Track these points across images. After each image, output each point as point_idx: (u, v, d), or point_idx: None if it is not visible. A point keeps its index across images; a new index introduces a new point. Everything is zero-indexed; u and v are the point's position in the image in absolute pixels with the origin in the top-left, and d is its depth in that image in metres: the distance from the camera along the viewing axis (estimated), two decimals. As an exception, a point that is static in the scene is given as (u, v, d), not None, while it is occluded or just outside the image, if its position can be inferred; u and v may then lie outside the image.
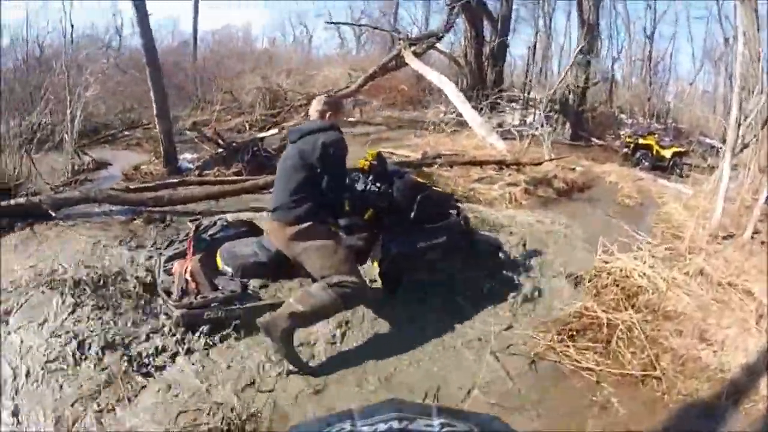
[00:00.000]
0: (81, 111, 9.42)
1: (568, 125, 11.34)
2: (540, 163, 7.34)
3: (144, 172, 8.27)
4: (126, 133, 12.03)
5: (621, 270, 4.41)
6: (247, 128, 11.63)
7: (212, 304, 3.77)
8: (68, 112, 9.11)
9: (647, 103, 15.11)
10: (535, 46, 14.71)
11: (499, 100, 9.06)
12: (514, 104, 12.13)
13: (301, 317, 3.53)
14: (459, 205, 5.05)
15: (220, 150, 8.55)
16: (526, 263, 4.94)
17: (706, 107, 15.10)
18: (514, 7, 15.04)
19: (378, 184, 4.26)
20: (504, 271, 4.71)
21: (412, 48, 11.16)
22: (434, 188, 4.92)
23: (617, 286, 4.25)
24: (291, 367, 3.44)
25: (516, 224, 5.64)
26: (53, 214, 5.41)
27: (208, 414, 3.00)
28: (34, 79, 11.25)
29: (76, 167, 8.43)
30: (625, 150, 10.67)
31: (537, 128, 8.08)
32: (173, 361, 3.41)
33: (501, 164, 7.31)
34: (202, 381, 3.23)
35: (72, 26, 11.99)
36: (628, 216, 6.23)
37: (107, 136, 11.76)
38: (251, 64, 16.92)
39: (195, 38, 18.80)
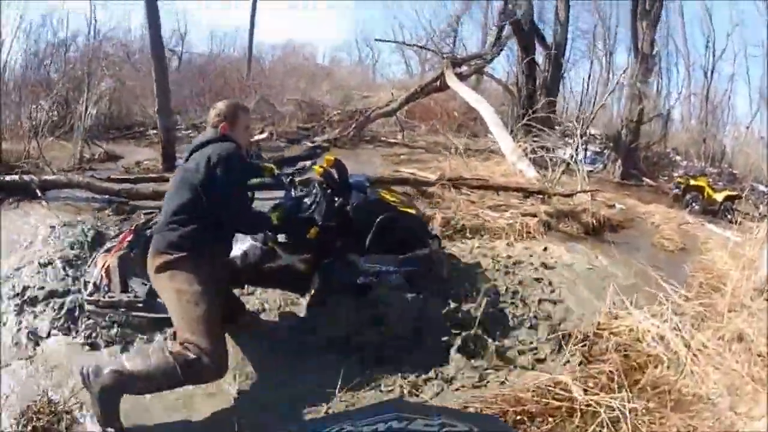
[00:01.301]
0: (95, 103, 9.58)
1: (619, 163, 10.21)
2: (571, 195, 6.27)
3: (143, 168, 8.13)
4: (153, 131, 11.59)
5: (630, 331, 3.39)
6: (273, 137, 10.93)
7: (117, 307, 3.55)
8: (82, 101, 9.34)
9: (703, 144, 13.99)
10: (589, 77, 13.56)
11: (548, 132, 8.04)
12: (567, 138, 11.15)
13: (127, 379, 2.86)
14: (434, 234, 4.39)
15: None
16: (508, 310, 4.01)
17: (762, 152, 13.72)
18: (570, 36, 14.01)
19: (332, 197, 3.72)
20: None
21: (456, 69, 10.33)
22: (406, 210, 4.11)
23: (619, 353, 3.20)
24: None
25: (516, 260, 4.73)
26: (39, 194, 5.74)
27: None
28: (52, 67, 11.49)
29: (86, 157, 8.66)
30: (676, 191, 9.63)
31: (571, 156, 7.00)
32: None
33: (522, 191, 6.29)
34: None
35: (95, 20, 12.24)
36: (662, 262, 5.13)
37: (134, 132, 11.85)
38: (307, 80, 16.49)
39: (250, 49, 18.54)
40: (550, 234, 5.44)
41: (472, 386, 3.14)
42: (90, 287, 3.78)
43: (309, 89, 14.78)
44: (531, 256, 4.88)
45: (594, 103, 12.38)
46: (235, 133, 3.32)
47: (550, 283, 4.42)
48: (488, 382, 3.19)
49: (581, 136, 8.34)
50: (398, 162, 8.78)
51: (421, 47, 13.67)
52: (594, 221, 5.79)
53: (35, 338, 3.62)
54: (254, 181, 4.22)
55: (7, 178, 6.42)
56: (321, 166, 3.78)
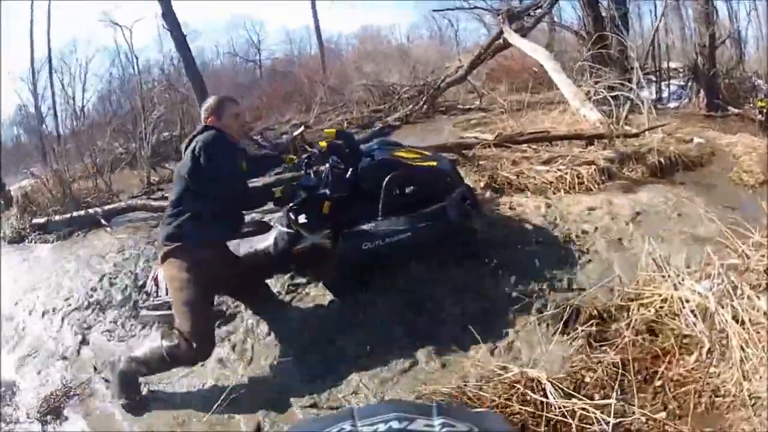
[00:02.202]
0: (153, 130, 10.30)
1: (702, 94, 9.17)
2: (637, 135, 5.59)
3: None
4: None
5: (663, 302, 2.76)
6: (345, 126, 10.83)
7: (161, 309, 3.68)
8: (139, 131, 10.27)
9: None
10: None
11: (608, 71, 7.33)
12: (650, 77, 10.15)
13: (135, 364, 3.42)
14: (463, 185, 4.00)
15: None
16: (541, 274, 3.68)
17: None
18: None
19: (340, 168, 3.62)
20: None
21: (518, 23, 9.65)
22: (423, 165, 3.87)
23: (642, 334, 2.61)
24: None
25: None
26: (104, 222, 6.81)
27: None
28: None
29: (154, 180, 9.31)
30: (760, 117, 8.22)
31: (635, 92, 6.29)
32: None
33: (581, 138, 5.74)
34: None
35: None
36: (740, 200, 4.49)
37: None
38: (383, 63, 16.26)
39: (320, 43, 18.51)
40: (611, 182, 4.89)
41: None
42: (143, 295, 4.43)
43: (383, 72, 14.53)
44: (571, 209, 4.42)
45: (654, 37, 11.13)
46: (224, 123, 3.46)
47: (580, 242, 3.96)
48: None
49: (642, 69, 7.55)
50: (467, 127, 8.28)
51: (473, 7, 12.82)
52: (662, 161, 5.16)
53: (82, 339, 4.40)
54: (287, 175, 4.73)
55: (75, 214, 7.63)
56: (325, 141, 3.76)
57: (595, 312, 2.93)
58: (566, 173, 4.89)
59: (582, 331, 2.82)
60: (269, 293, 4.01)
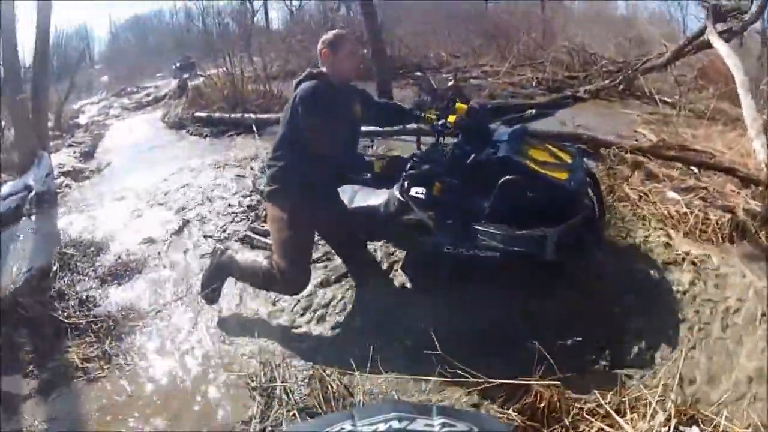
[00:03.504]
0: None
1: None
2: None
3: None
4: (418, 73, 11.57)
5: None
6: (533, 84, 10.38)
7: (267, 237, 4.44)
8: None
9: None
10: None
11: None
12: None
13: (234, 264, 3.66)
14: (583, 211, 3.38)
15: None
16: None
17: None
18: None
19: (461, 151, 3.40)
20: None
21: (723, 23, 8.16)
22: (547, 175, 3.34)
23: None
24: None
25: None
26: (254, 129, 7.86)
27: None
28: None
29: None
30: None
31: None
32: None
33: (731, 174, 4.74)
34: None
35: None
36: None
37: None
38: (601, 31, 15.10)
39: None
40: (740, 243, 3.96)
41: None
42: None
43: (597, 38, 13.41)
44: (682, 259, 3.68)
45: None
46: (337, 60, 3.40)
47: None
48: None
49: None
50: (647, 123, 7.23)
51: None
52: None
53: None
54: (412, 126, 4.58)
55: (232, 115, 8.59)
56: (453, 116, 3.49)
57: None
58: (693, 212, 4.05)
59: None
60: (370, 258, 4.02)
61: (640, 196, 4.39)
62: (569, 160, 3.61)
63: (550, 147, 3.69)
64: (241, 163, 6.81)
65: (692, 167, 4.99)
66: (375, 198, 3.64)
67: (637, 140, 6.33)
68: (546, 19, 15.55)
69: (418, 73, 11.32)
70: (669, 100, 9.28)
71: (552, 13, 16.82)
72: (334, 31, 3.57)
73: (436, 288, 3.57)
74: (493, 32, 14.09)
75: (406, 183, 3.37)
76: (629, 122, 7.07)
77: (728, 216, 4.08)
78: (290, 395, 2.95)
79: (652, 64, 9.53)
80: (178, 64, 17.90)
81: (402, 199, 3.38)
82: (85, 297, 4.30)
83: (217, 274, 3.76)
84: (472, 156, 3.35)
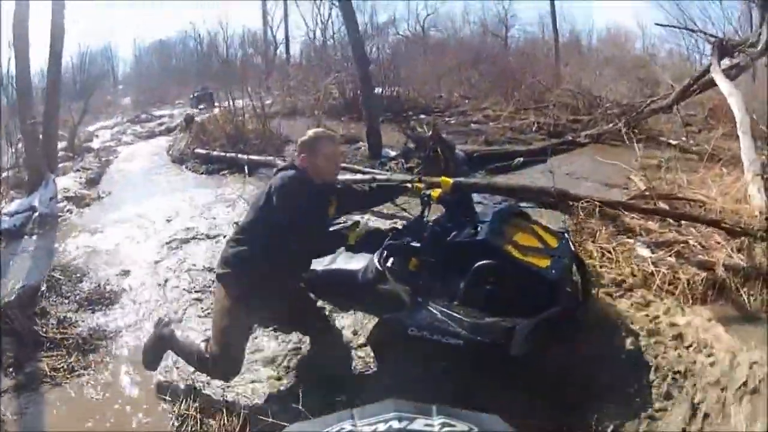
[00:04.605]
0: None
1: None
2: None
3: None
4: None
5: None
6: (534, 129, 10.20)
7: None
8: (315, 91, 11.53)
9: None
10: None
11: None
12: None
13: (174, 342, 3.63)
14: (556, 305, 2.98)
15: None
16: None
17: None
18: None
19: (440, 228, 3.24)
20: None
21: (730, 60, 7.75)
22: (525, 261, 3.10)
23: None
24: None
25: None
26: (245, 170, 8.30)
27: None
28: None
29: None
30: None
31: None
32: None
33: (716, 226, 4.21)
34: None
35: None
36: None
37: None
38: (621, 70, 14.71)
39: (555, 33, 17.14)
40: (719, 301, 3.52)
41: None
42: None
43: (612, 79, 13.19)
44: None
45: None
46: (317, 162, 3.25)
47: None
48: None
49: None
50: (643, 168, 6.68)
51: (693, 30, 10.47)
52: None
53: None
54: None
55: (228, 154, 8.95)
56: (437, 190, 3.43)
57: None
58: (660, 270, 3.69)
59: None
60: (328, 325, 3.86)
61: (603, 254, 4.05)
62: (554, 245, 3.38)
63: (537, 230, 3.48)
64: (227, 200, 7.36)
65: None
66: (356, 262, 3.43)
67: (627, 188, 6.05)
68: (558, 60, 15.40)
69: (422, 116, 11.47)
70: (674, 142, 8.91)
71: (566, 55, 16.70)
72: (312, 133, 3.44)
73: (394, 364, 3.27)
74: (501, 74, 13.94)
75: (385, 252, 3.13)
76: (624, 168, 6.69)
77: (703, 274, 3.66)
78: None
79: (657, 105, 9.13)
80: (195, 94, 18.25)
81: (380, 268, 3.13)
82: (63, 317, 4.70)
83: (158, 345, 3.71)
84: (452, 235, 3.18)
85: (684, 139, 9.00)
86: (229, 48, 32.13)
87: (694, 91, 8.49)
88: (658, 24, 20.27)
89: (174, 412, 3.47)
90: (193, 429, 3.27)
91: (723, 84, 6.87)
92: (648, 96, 10.29)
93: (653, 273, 3.69)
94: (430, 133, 8.02)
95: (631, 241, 4.22)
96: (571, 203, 4.96)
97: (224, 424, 3.20)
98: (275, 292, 3.27)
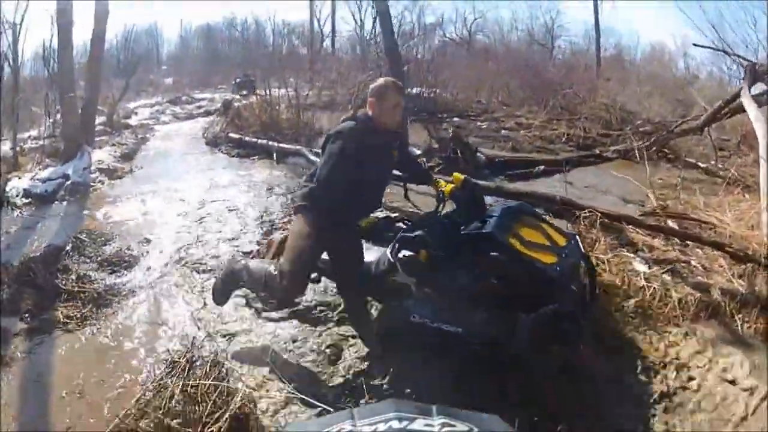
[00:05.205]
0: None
1: None
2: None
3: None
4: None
5: None
6: (562, 139, 10.04)
7: None
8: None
9: None
10: None
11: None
12: None
13: (245, 270, 3.68)
14: (561, 303, 2.95)
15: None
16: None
17: None
18: None
19: (449, 223, 3.31)
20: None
21: (759, 85, 7.44)
22: (525, 255, 3.08)
23: None
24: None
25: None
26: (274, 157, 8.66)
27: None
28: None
29: None
30: None
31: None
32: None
33: (721, 249, 4.17)
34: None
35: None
36: None
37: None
38: (658, 88, 14.41)
39: (598, 46, 16.86)
40: (709, 322, 3.47)
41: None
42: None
43: (649, 97, 12.87)
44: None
45: None
46: (382, 109, 3.38)
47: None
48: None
49: None
50: (664, 187, 6.77)
51: (728, 53, 10.05)
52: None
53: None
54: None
55: (259, 141, 9.25)
56: (449, 185, 3.49)
57: None
58: (652, 286, 3.66)
59: None
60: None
61: (597, 264, 4.00)
62: (562, 244, 3.38)
63: (546, 228, 3.47)
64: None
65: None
66: (372, 254, 3.45)
67: (643, 204, 5.97)
68: (598, 73, 15.17)
69: (456, 119, 11.47)
70: (702, 165, 8.81)
71: (608, 69, 16.45)
72: (383, 81, 3.55)
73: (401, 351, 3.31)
74: (541, 84, 13.81)
75: (397, 245, 3.15)
76: (645, 185, 6.60)
77: (698, 294, 3.62)
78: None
79: (688, 126, 8.82)
80: (237, 81, 18.41)
81: (391, 259, 3.18)
82: (83, 274, 4.93)
83: (229, 280, 3.87)
84: (461, 229, 3.23)
85: (713, 162, 8.82)
86: (276, 37, 32.26)
87: (725, 115, 8.24)
88: (696, 45, 19.68)
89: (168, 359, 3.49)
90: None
91: (751, 108, 6.67)
92: (680, 116, 10.06)
93: (644, 287, 3.65)
94: (450, 134, 8.03)
95: (630, 254, 4.16)
96: (575, 213, 4.91)
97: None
98: (345, 232, 3.38)
